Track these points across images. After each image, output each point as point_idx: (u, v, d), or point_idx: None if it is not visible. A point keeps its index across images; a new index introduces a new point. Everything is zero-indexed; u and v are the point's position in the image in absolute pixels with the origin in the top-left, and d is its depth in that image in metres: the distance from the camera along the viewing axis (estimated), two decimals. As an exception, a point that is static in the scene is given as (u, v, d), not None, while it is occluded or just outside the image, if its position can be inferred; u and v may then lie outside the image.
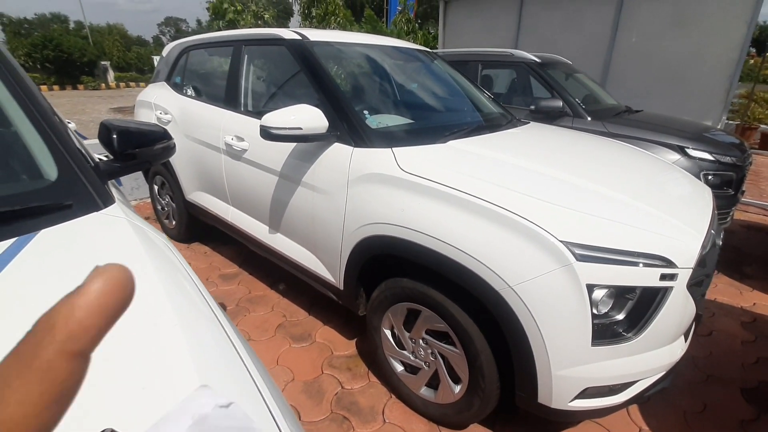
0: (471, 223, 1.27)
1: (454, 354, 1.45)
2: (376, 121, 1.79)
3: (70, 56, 31.70)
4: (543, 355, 1.18)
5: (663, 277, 1.16)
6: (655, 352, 1.23)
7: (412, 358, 1.64)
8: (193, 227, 3.08)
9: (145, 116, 3.07)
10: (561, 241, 1.14)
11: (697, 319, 1.40)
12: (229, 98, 2.36)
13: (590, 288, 1.13)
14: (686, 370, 1.93)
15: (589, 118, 3.39)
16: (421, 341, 1.57)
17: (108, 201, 0.95)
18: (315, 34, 2.05)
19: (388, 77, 2.35)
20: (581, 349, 1.17)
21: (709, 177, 2.96)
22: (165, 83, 3.02)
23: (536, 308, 1.16)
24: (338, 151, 1.69)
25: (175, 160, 2.81)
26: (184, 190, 2.84)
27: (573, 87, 3.86)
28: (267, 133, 1.62)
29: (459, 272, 1.29)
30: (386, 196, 1.50)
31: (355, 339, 2.14)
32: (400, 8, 8.87)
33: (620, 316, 1.18)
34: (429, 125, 1.97)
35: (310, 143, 1.76)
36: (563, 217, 1.21)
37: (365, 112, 1.81)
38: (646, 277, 1.15)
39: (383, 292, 1.63)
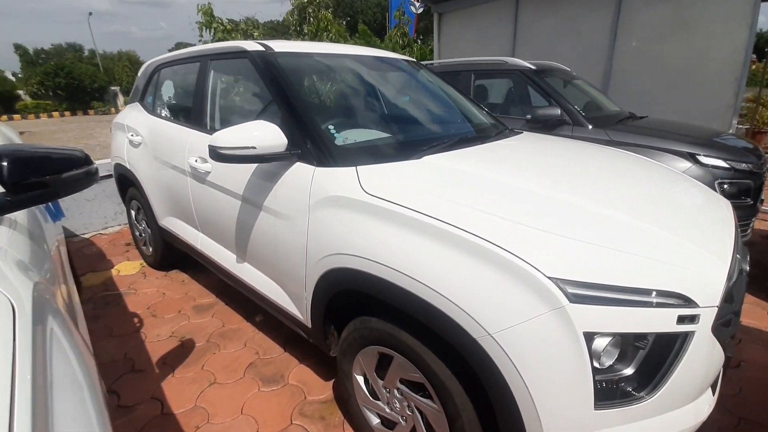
0: (441, 256, 1.05)
1: (432, 410, 1.21)
2: (343, 137, 1.59)
3: (81, 83, 32.61)
4: (534, 421, 0.94)
5: (681, 319, 0.92)
6: (676, 413, 0.99)
7: (387, 410, 1.40)
8: (170, 254, 2.89)
9: (119, 139, 2.93)
10: (550, 278, 0.91)
11: (726, 362, 1.14)
12: (194, 117, 2.19)
13: (589, 336, 0.89)
14: (713, 413, 1.65)
15: (590, 126, 3.17)
16: (396, 391, 1.34)
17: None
18: (280, 45, 1.88)
19: (363, 89, 2.17)
20: (582, 413, 0.92)
21: (725, 186, 2.70)
22: (138, 104, 2.88)
23: (522, 362, 0.93)
24: (299, 171, 1.49)
25: (146, 184, 2.64)
26: (156, 216, 2.67)
27: (572, 94, 3.66)
28: (216, 154, 1.43)
29: (430, 314, 1.07)
30: (348, 222, 1.29)
31: (333, 380, 1.90)
32: (396, 22, 8.83)
33: (629, 371, 0.94)
34: (403, 139, 1.76)
35: (270, 164, 1.57)
36: (553, 247, 0.99)
37: (331, 127, 1.62)
38: (660, 320, 0.92)
39: (351, 333, 1.40)
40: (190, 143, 2.11)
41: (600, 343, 0.91)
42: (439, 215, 1.10)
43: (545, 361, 0.91)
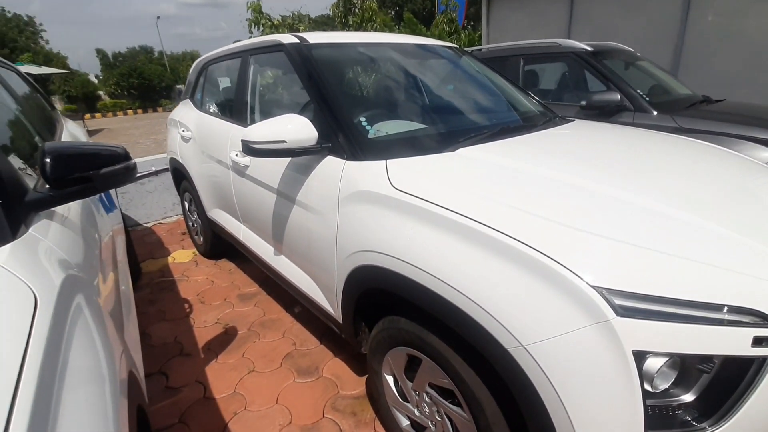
0: (471, 257, 0.97)
1: (462, 419, 1.15)
2: (375, 130, 1.54)
3: (151, 82, 35.35)
4: (573, 445, 0.85)
5: (758, 341, 0.78)
6: (749, 449, 0.84)
7: (416, 413, 1.35)
8: (218, 244, 3.02)
9: (173, 134, 3.10)
10: (593, 287, 0.81)
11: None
12: (235, 112, 2.24)
13: (640, 355, 0.78)
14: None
15: (654, 112, 2.86)
16: (425, 395, 1.28)
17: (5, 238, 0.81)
18: (316, 37, 1.86)
19: (400, 78, 2.10)
20: (629, 440, 0.81)
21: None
22: (189, 100, 3.02)
23: (558, 378, 0.83)
24: (330, 165, 1.47)
25: (195, 177, 2.77)
26: (204, 208, 2.80)
27: (635, 77, 3.32)
28: (249, 148, 1.44)
29: (458, 319, 1.00)
30: (376, 218, 1.24)
31: (366, 376, 1.88)
32: (443, 8, 8.55)
33: (689, 397, 0.81)
34: (438, 130, 1.67)
35: (304, 157, 1.56)
36: (600, 252, 0.87)
37: (363, 119, 1.57)
38: (731, 341, 0.78)
39: (381, 332, 1.36)
40: (232, 138, 2.16)
41: (653, 363, 0.79)
42: (469, 213, 1.01)
43: (585, 379, 0.81)
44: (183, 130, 2.84)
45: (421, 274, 1.07)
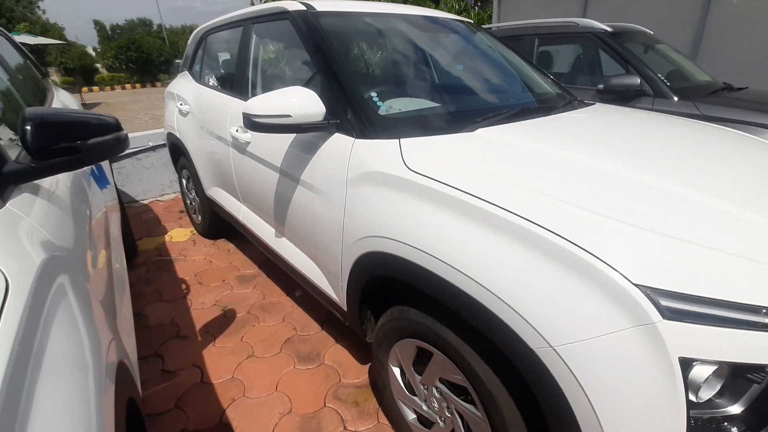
0: (495, 247, 0.88)
1: (475, 417, 1.08)
2: (386, 107, 1.43)
3: (149, 56, 34.63)
4: (602, 455, 0.78)
5: (820, 350, 0.70)
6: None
7: (424, 407, 1.29)
8: (217, 224, 2.93)
9: (171, 108, 2.96)
10: (637, 286, 0.72)
11: None
12: (236, 85, 2.12)
13: (686, 363, 0.70)
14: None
15: (675, 98, 2.73)
16: (434, 390, 1.22)
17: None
18: (324, 5, 1.72)
19: (412, 53, 1.97)
20: (667, 454, 0.74)
21: None
22: (187, 72, 2.87)
23: (591, 384, 0.75)
24: (337, 143, 1.36)
25: (193, 153, 2.66)
26: (203, 185, 2.70)
27: (654, 61, 3.17)
28: (250, 122, 1.33)
29: (478, 314, 0.91)
30: (388, 201, 1.15)
31: (369, 364, 1.82)
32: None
33: (736, 408, 0.74)
34: (455, 109, 1.56)
35: (309, 134, 1.46)
36: (642, 245, 0.78)
37: (374, 94, 1.46)
38: (790, 350, 0.70)
39: (388, 322, 1.29)
40: (232, 112, 2.05)
41: (700, 372, 0.71)
42: (493, 199, 0.92)
43: (622, 386, 0.73)
44: (181, 104, 2.71)
45: (438, 264, 0.98)
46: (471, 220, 0.94)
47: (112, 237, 1.67)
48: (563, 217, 0.84)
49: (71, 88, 17.90)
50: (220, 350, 1.95)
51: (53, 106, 1.93)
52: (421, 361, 1.24)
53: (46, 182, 1.08)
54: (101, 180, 1.60)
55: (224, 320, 2.17)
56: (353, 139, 1.32)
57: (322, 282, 1.61)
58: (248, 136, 1.86)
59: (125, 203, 3.82)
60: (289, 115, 1.30)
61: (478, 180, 1.00)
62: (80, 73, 29.40)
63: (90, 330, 0.73)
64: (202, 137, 2.46)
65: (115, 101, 18.66)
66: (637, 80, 2.74)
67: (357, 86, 1.42)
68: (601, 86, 2.95)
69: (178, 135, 2.81)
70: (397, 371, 1.36)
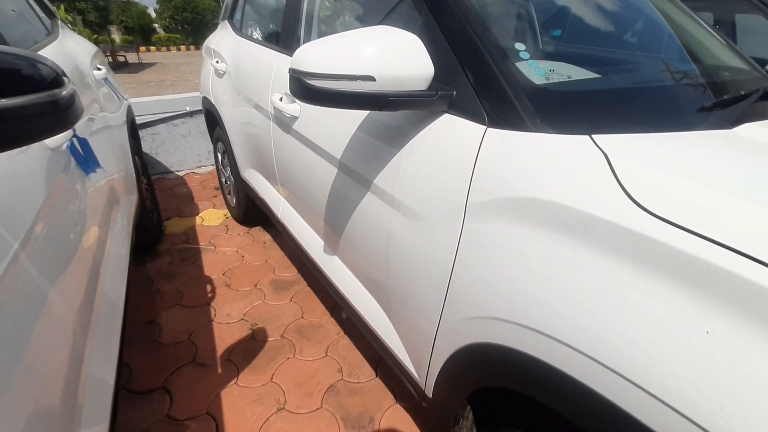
0: None
1: None
2: (543, 70, 0.79)
3: (204, 18, 34.94)
4: None
5: None
6: None
7: None
8: (253, 210, 2.45)
9: (206, 66, 2.45)
10: None
11: None
12: (285, 35, 1.54)
13: None
14: None
15: None
16: None
17: None
18: None
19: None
20: None
21: None
22: (227, 21, 2.33)
23: None
24: (450, 131, 0.76)
25: (228, 124, 2.15)
26: (238, 165, 2.20)
27: None
28: (300, 86, 0.76)
29: None
30: (565, 266, 0.55)
31: (444, 448, 1.27)
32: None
33: None
34: (682, 84, 0.87)
35: (393, 111, 0.86)
36: None
37: (520, 47, 0.82)
38: None
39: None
40: (276, 73, 1.48)
41: None
42: None
43: None
44: (217, 61, 2.19)
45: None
46: None
47: (108, 242, 1.19)
48: None
49: (129, 47, 18.22)
50: (243, 393, 1.47)
51: (45, 51, 1.45)
52: None
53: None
54: (87, 162, 1.10)
55: (252, 345, 1.70)
56: (483, 127, 0.71)
57: (392, 340, 1.06)
58: (295, 107, 1.29)
59: (160, 173, 3.46)
60: (370, 77, 0.71)
61: None
62: (139, 32, 30.08)
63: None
64: (239, 105, 1.93)
65: (170, 62, 18.83)
66: None
67: (488, 31, 0.79)
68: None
69: (212, 101, 2.31)
70: None
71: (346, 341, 1.72)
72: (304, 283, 2.10)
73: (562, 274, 0.56)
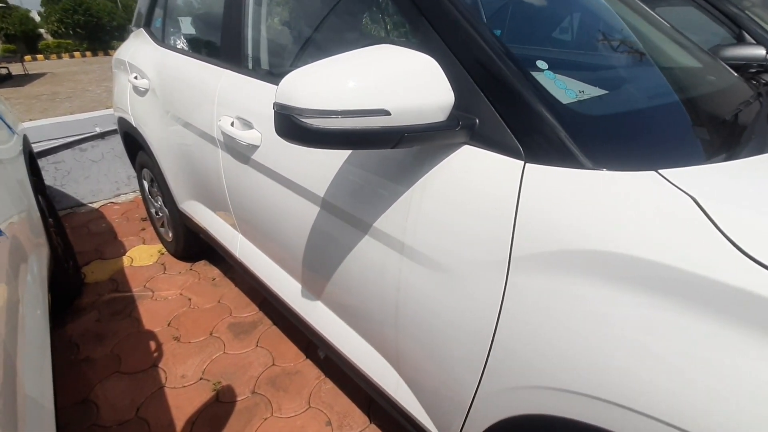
0: None
1: None
2: (573, 91, 0.70)
3: (100, 21, 31.44)
4: None
5: None
6: None
7: None
8: (195, 243, 2.15)
9: (121, 83, 2.09)
10: None
11: None
12: (226, 47, 1.31)
13: None
14: None
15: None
16: None
17: None
18: None
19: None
20: None
21: None
22: (143, 30, 2.00)
23: None
24: (477, 167, 0.65)
25: (157, 150, 1.84)
26: (174, 196, 1.90)
27: None
28: (290, 126, 0.59)
29: None
30: (672, 332, 0.46)
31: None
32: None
33: None
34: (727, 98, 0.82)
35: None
36: None
37: (543, 66, 0.72)
38: None
39: None
40: (221, 92, 1.25)
41: None
42: None
43: None
44: (136, 77, 1.86)
45: None
46: None
47: (6, 326, 0.90)
48: None
49: (13, 57, 15.73)
50: (218, 475, 1.24)
51: None
52: None
53: None
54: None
55: (219, 409, 1.45)
56: (520, 162, 0.60)
57: (407, 400, 0.92)
58: (254, 134, 1.09)
59: (67, 207, 2.93)
60: (385, 111, 0.57)
61: None
62: (22, 40, 26.21)
63: None
64: (170, 128, 1.65)
65: (62, 71, 16.61)
66: (762, 51, 2.10)
67: (508, 48, 0.68)
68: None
69: (133, 122, 1.97)
70: None
71: (329, 385, 1.54)
72: (269, 322, 1.87)
73: (662, 342, 0.47)
